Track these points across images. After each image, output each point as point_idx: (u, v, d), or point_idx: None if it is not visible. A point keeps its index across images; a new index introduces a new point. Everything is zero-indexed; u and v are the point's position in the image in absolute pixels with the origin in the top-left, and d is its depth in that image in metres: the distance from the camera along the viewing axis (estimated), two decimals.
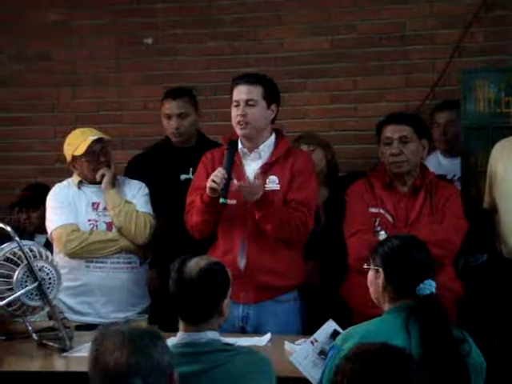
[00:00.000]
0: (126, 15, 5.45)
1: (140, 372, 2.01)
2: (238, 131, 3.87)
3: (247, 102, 3.83)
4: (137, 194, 4.26)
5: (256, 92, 3.85)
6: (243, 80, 3.88)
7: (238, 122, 3.84)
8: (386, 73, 5.15)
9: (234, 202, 3.77)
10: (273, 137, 3.94)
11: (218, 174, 3.71)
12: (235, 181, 3.70)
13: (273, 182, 3.85)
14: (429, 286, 2.72)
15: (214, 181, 3.69)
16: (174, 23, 5.38)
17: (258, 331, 3.75)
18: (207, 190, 3.73)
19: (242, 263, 3.78)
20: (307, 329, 3.71)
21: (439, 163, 4.71)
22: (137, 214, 4.15)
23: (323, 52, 5.22)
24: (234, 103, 3.87)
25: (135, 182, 4.35)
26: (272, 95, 3.90)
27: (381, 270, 2.80)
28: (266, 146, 3.91)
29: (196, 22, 5.35)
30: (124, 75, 5.46)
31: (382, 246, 2.86)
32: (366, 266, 2.89)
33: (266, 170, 3.84)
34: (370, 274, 2.87)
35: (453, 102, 4.67)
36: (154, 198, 4.28)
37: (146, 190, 4.30)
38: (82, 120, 5.31)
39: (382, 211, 3.89)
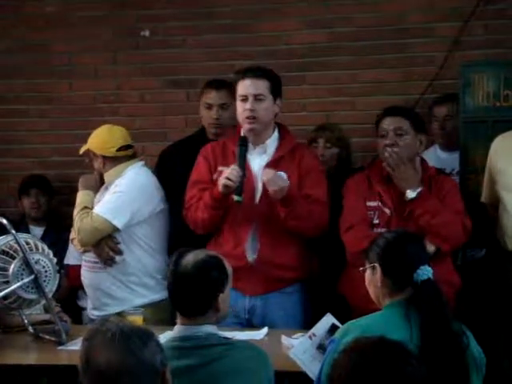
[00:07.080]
0: (123, 7, 5.41)
1: (130, 376, 1.99)
2: (246, 125, 3.80)
3: (256, 97, 3.77)
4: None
5: (263, 86, 3.79)
6: (250, 73, 3.81)
7: (247, 117, 3.78)
8: (385, 66, 5.12)
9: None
10: (276, 131, 3.91)
11: (234, 171, 3.66)
12: (264, 176, 3.67)
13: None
14: (426, 272, 2.73)
15: (229, 178, 3.65)
16: (171, 15, 5.35)
17: (265, 322, 3.74)
18: (220, 187, 3.69)
19: (251, 257, 3.75)
20: (309, 322, 3.69)
21: (438, 157, 4.70)
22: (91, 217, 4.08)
23: (322, 45, 5.19)
24: (241, 97, 3.80)
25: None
26: (277, 89, 3.86)
27: (377, 265, 2.81)
28: (272, 141, 3.88)
29: (194, 13, 5.31)
30: (121, 67, 5.43)
31: (374, 242, 2.87)
32: (361, 268, 2.89)
33: (273, 166, 3.80)
34: (368, 272, 2.87)
35: (452, 96, 4.65)
36: (185, 189, 4.10)
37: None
38: (79, 113, 5.30)
39: (380, 205, 3.87)
